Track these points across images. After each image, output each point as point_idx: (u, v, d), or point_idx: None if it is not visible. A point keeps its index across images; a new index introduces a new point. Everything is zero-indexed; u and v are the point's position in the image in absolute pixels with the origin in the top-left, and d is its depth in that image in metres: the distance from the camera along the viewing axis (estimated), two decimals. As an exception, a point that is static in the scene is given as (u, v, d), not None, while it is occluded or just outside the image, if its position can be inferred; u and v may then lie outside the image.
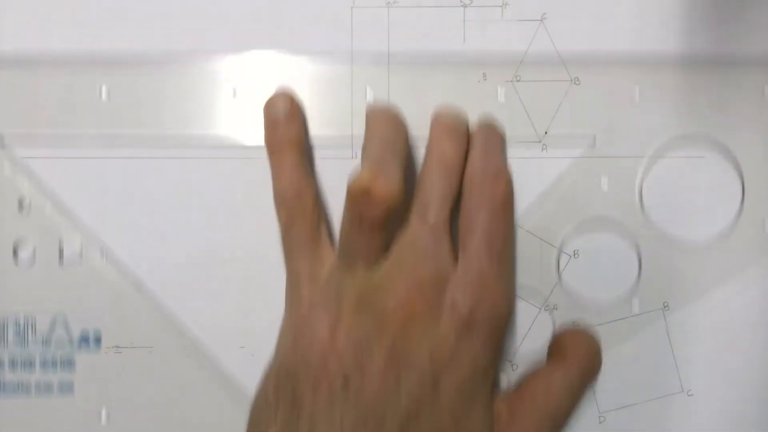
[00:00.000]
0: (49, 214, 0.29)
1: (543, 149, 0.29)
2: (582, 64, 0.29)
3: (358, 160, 0.29)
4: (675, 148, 0.29)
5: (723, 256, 0.29)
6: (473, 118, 0.29)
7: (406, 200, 0.26)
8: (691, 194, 0.29)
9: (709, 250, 0.29)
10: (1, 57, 0.29)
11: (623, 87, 0.29)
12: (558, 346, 0.29)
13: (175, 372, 0.29)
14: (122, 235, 0.29)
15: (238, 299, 0.29)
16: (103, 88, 0.29)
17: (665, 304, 0.29)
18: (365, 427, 0.24)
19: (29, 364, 0.29)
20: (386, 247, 0.26)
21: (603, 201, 0.29)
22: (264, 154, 0.28)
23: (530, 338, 0.29)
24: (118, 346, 0.29)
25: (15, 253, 0.29)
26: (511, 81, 0.29)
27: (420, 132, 0.29)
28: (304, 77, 0.29)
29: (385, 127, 0.28)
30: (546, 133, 0.29)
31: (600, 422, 0.29)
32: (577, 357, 0.28)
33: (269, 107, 0.29)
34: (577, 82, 0.29)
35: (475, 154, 0.27)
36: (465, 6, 0.29)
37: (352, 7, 0.29)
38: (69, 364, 0.29)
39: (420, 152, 0.29)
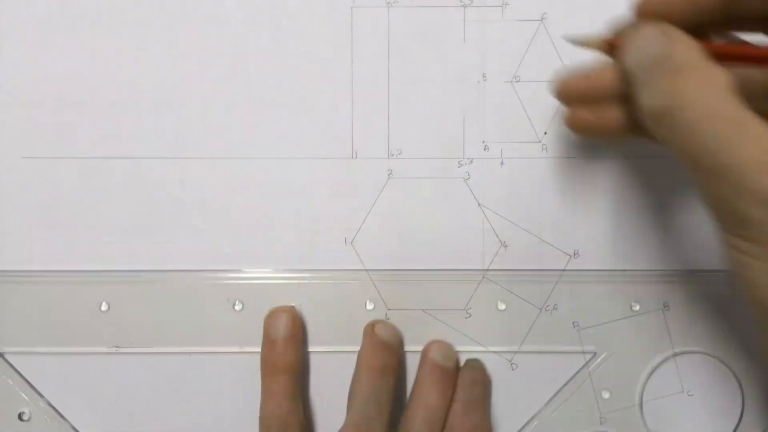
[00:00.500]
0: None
1: (543, 149, 0.29)
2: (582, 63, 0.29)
3: (358, 161, 0.29)
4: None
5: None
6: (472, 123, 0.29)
7: None
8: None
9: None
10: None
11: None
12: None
13: None
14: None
15: None
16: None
17: None
18: None
19: None
20: None
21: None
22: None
23: (530, 338, 0.30)
24: None
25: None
26: (511, 81, 0.29)
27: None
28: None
29: (374, 374, 0.28)
30: (545, 133, 0.29)
31: (601, 423, 0.29)
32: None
33: (270, 324, 0.29)
34: (577, 82, 0.29)
35: (457, 407, 0.28)
36: (465, 6, 0.29)
37: (352, 7, 0.29)
38: None
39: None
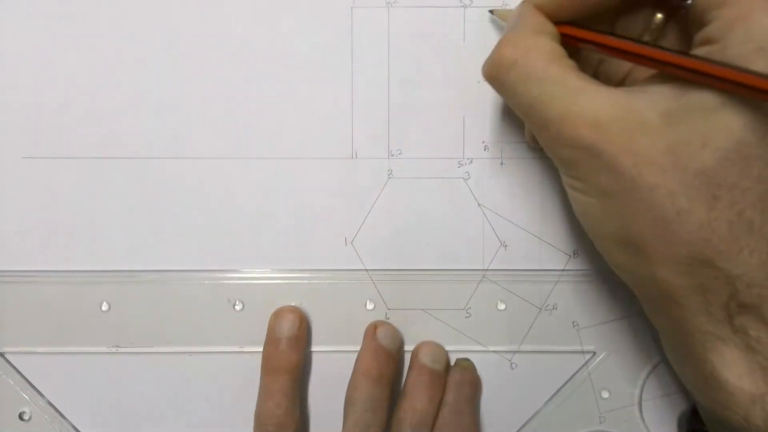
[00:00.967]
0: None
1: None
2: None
3: (358, 161, 0.29)
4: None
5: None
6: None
7: None
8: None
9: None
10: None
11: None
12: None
13: None
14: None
15: None
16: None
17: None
18: None
19: None
20: None
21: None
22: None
23: (530, 338, 0.30)
24: None
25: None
26: (511, 81, 0.29)
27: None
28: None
29: (372, 382, 0.28)
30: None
31: (600, 422, 0.29)
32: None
33: (276, 322, 0.29)
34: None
35: (445, 410, 0.28)
36: (465, 6, 0.29)
37: (352, 7, 0.29)
38: None
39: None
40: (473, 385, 0.29)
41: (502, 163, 0.30)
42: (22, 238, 0.30)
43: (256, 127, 0.29)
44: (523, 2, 0.25)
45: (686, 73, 0.21)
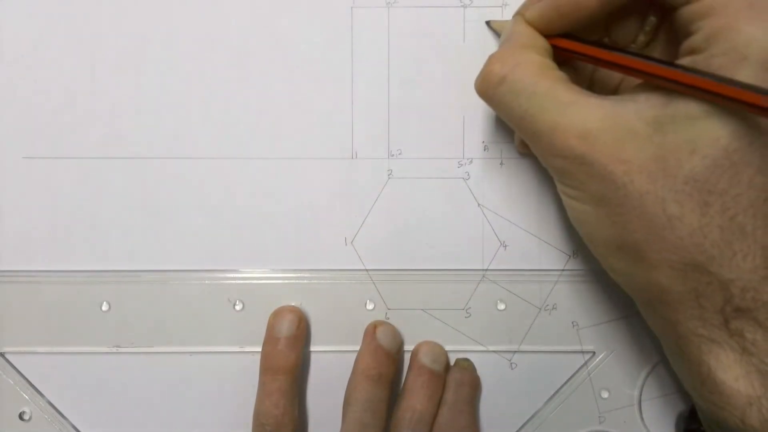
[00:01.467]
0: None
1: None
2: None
3: (358, 161, 0.29)
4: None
5: None
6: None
7: None
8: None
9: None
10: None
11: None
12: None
13: None
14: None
15: None
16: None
17: None
18: None
19: None
20: None
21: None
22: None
23: (530, 337, 0.30)
24: None
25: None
26: (511, 81, 0.29)
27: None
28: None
29: (370, 382, 0.28)
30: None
31: (600, 422, 0.29)
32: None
33: (276, 322, 0.29)
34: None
35: (444, 410, 0.29)
36: (465, 6, 0.29)
37: (352, 7, 0.29)
38: None
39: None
40: (473, 385, 0.29)
41: (501, 163, 0.30)
42: (22, 238, 0.30)
43: (256, 127, 0.29)
44: (514, 18, 0.26)
45: (672, 84, 0.21)
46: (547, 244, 0.30)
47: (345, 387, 0.29)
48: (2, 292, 0.30)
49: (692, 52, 0.22)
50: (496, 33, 0.29)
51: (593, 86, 0.27)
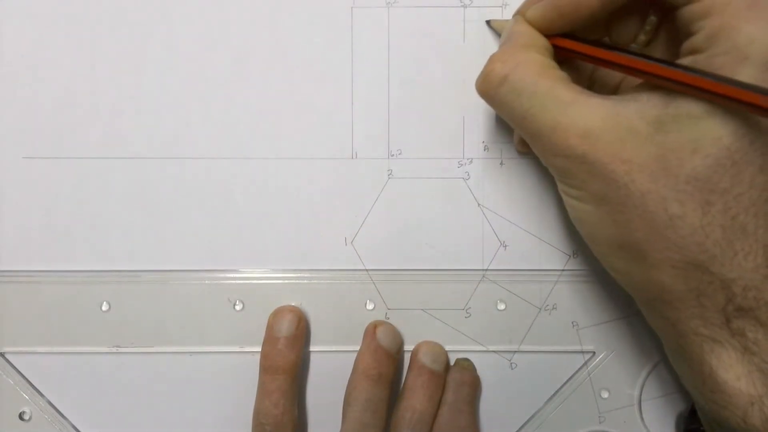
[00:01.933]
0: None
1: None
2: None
3: (358, 161, 0.29)
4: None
5: None
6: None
7: None
8: None
9: None
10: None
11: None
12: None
13: None
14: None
15: None
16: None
17: None
18: None
19: None
20: None
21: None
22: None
23: (530, 337, 0.30)
24: None
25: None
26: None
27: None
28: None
29: (370, 382, 0.28)
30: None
31: (600, 422, 0.29)
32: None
33: (275, 321, 0.29)
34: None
35: (444, 410, 0.29)
36: (465, 6, 0.29)
37: (352, 7, 0.29)
38: None
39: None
40: (473, 385, 0.29)
41: (501, 163, 0.30)
42: (22, 238, 0.30)
43: (256, 127, 0.29)
44: (514, 17, 0.26)
45: (672, 83, 0.21)
46: (547, 244, 0.30)
47: (345, 387, 0.29)
48: (2, 292, 0.30)
49: (693, 51, 0.22)
50: (497, 33, 0.29)
51: (594, 86, 0.27)
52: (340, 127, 0.29)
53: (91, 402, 0.30)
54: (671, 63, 0.22)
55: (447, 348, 0.30)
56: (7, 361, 0.30)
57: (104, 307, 0.30)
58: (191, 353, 0.30)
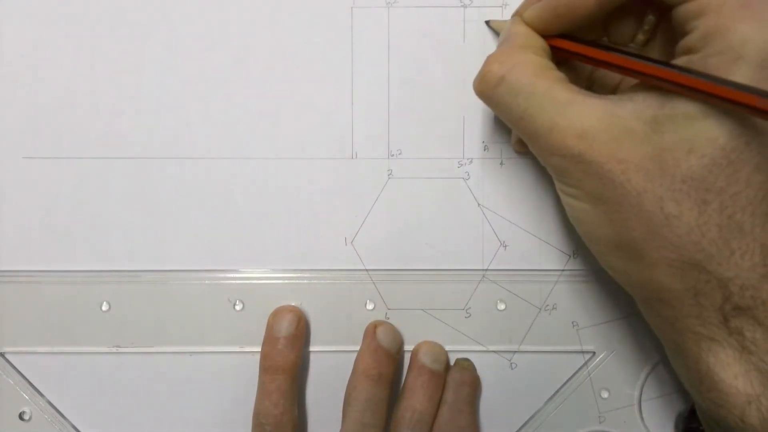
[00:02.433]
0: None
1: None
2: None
3: (358, 161, 0.29)
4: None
5: None
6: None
7: None
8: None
9: None
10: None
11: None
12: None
13: None
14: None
15: None
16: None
17: None
18: None
19: None
20: None
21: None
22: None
23: (530, 337, 0.30)
24: None
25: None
26: (511, 81, 0.29)
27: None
28: (304, 77, 0.29)
29: (370, 382, 0.28)
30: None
31: (600, 422, 0.29)
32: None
33: (275, 321, 0.29)
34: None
35: (444, 410, 0.29)
36: (465, 6, 0.29)
37: (352, 7, 0.29)
38: None
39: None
40: (473, 385, 0.29)
41: (501, 163, 0.30)
42: (22, 238, 0.30)
43: (256, 127, 0.29)
44: (512, 18, 0.26)
45: (668, 84, 0.21)
46: (547, 244, 0.30)
47: (345, 387, 0.29)
48: (2, 292, 0.30)
49: (688, 51, 0.22)
50: (496, 33, 0.29)
51: (592, 86, 0.27)
52: (340, 127, 0.29)
53: (91, 402, 0.30)
54: (667, 64, 0.22)
55: (447, 348, 0.30)
56: (7, 361, 0.30)
57: (104, 307, 0.30)
58: (191, 353, 0.30)
